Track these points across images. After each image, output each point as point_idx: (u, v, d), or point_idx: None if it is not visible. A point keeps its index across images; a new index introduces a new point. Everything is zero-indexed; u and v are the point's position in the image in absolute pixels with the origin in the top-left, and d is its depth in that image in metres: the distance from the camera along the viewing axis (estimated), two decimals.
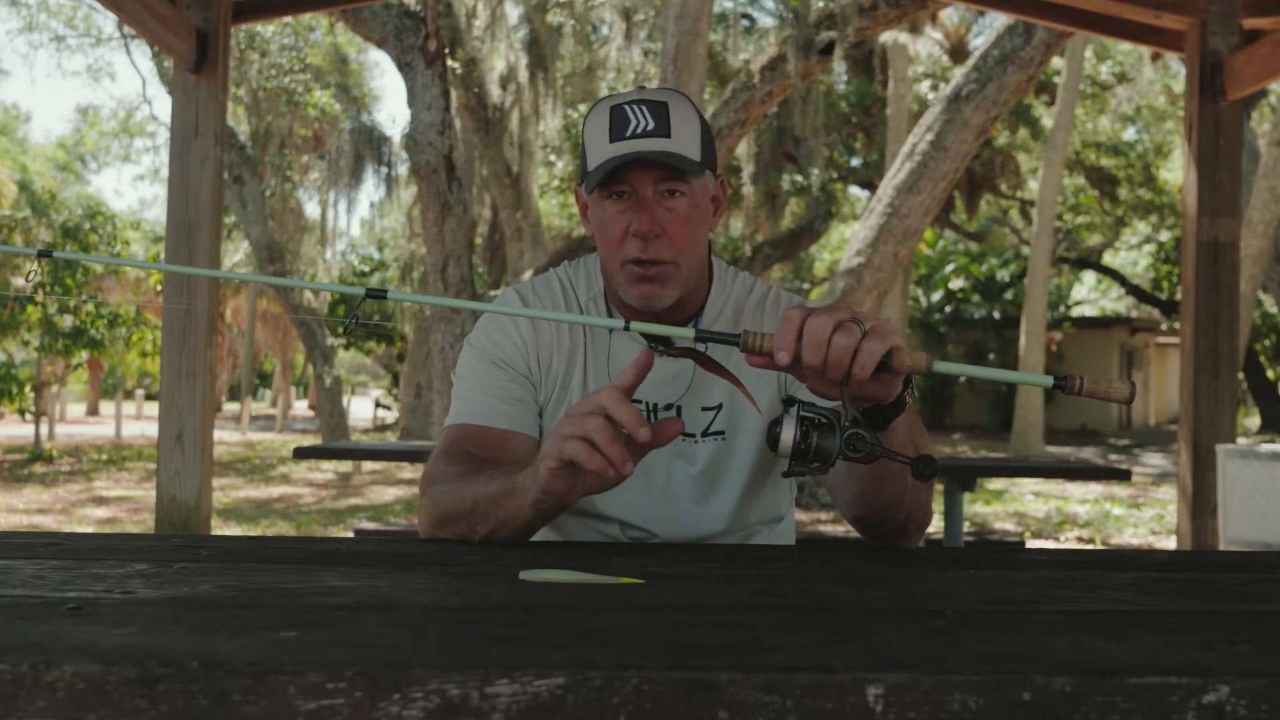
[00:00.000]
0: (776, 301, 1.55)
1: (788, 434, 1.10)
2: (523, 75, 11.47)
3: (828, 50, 7.55)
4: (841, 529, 6.07)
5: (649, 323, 1.29)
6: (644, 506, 1.47)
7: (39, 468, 12.60)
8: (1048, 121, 16.85)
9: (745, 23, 18.17)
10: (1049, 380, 1.07)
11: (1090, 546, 7.68)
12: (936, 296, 24.00)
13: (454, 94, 9.41)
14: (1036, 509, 9.59)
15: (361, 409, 29.75)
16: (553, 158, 15.80)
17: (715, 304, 1.52)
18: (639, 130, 1.36)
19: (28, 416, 14.42)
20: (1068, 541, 7.89)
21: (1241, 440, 8.40)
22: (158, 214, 37.75)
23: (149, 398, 27.77)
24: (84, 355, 15.62)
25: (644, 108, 1.37)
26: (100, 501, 9.59)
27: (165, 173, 5.30)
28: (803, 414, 1.11)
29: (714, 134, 1.67)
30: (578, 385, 1.49)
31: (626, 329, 1.16)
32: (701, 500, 1.49)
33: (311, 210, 18.24)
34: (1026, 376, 1.11)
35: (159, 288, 16.14)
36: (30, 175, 25.46)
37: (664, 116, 1.37)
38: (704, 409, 1.48)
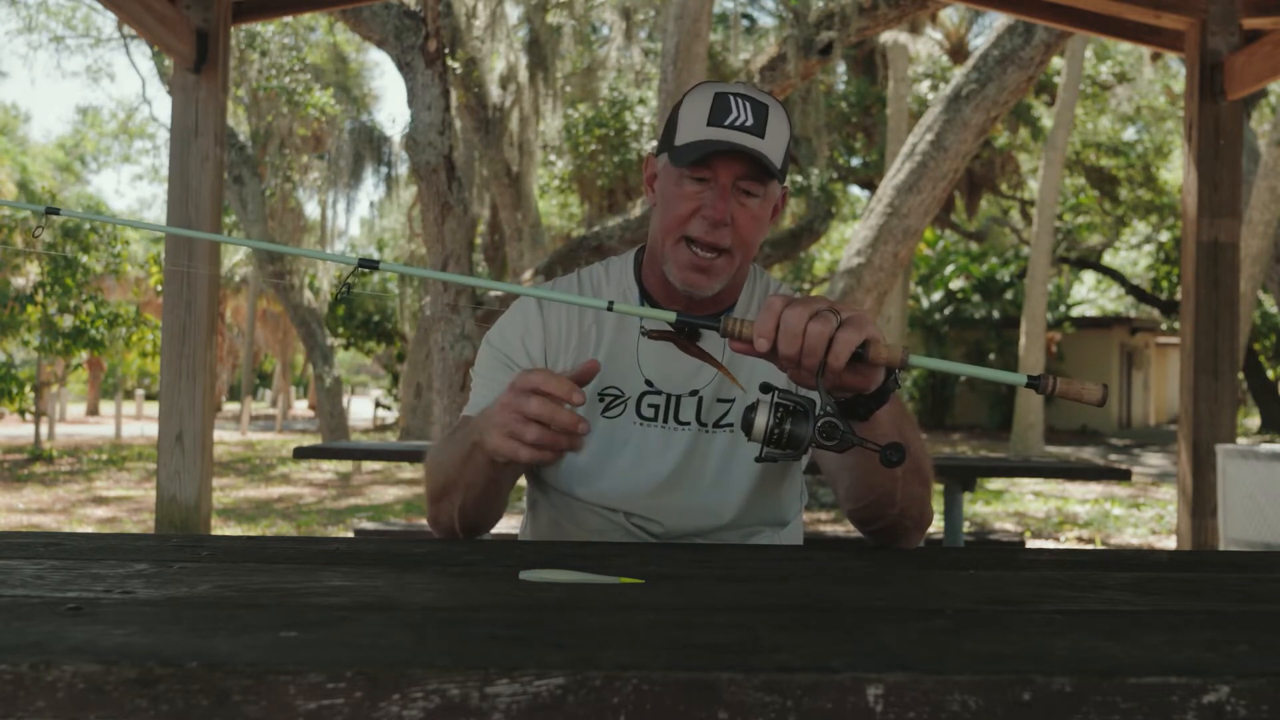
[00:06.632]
0: None
1: (761, 419, 1.12)
2: (523, 75, 11.47)
3: (828, 50, 7.55)
4: (842, 529, 6.07)
5: (646, 308, 1.33)
6: (651, 494, 1.49)
7: (39, 468, 12.59)
8: (1048, 121, 16.83)
9: (745, 23, 18.18)
10: (1022, 379, 1.08)
11: (1090, 546, 7.68)
12: (937, 296, 23.99)
13: (454, 94, 9.41)
14: (1036, 509, 9.58)
15: (361, 409, 29.75)
16: (553, 158, 15.79)
17: (743, 303, 1.57)
18: (737, 123, 1.39)
19: (28, 416, 14.42)
20: (1068, 541, 7.88)
21: (1241, 440, 8.39)
22: (158, 214, 37.78)
23: (149, 398, 27.76)
24: (84, 355, 15.62)
25: (747, 103, 1.41)
26: (100, 501, 9.58)
27: (165, 173, 5.30)
28: (778, 400, 1.12)
29: None
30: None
31: (610, 309, 1.18)
32: (708, 491, 1.50)
33: (311, 210, 18.24)
34: (1000, 374, 1.12)
35: (159, 288, 16.15)
36: (30, 175, 25.48)
37: (763, 117, 1.41)
38: (720, 400, 1.51)
